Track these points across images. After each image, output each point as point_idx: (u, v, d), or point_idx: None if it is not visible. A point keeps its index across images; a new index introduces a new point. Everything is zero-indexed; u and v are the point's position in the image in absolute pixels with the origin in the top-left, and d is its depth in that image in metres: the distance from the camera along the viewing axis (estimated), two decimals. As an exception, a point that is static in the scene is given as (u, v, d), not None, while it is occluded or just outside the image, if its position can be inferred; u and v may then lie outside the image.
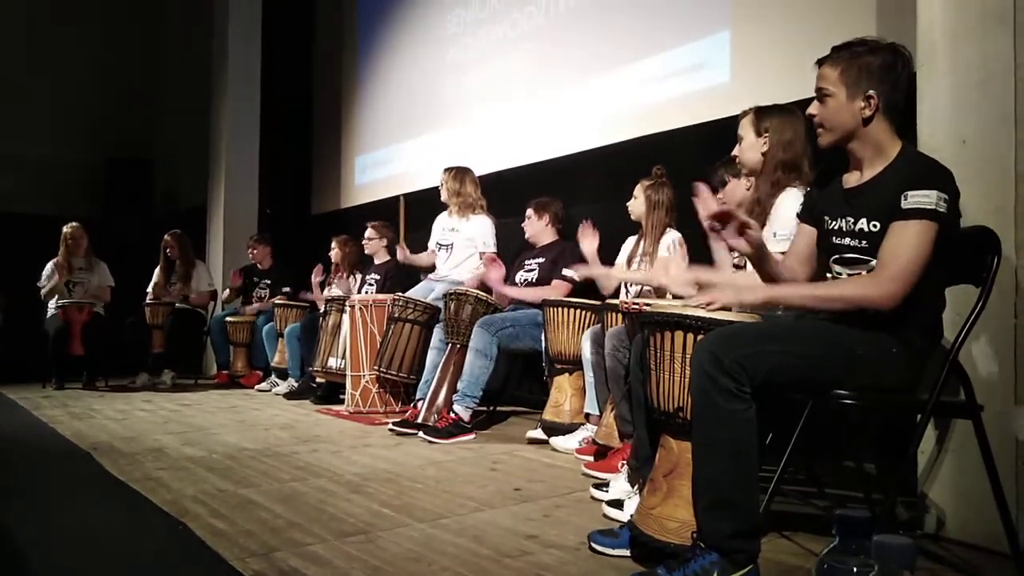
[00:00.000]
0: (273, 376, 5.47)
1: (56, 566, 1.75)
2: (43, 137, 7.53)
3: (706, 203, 1.71)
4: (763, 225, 2.15)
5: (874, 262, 1.68)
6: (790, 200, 2.12)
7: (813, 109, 1.79)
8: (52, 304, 5.54)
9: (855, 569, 0.81)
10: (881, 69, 1.69)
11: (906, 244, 1.60)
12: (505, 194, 4.43)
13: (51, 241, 5.66)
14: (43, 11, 7.63)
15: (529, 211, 3.93)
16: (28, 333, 5.66)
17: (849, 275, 1.74)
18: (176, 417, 4.11)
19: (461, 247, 4.23)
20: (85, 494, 2.48)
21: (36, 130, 7.51)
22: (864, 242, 1.71)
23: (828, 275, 1.80)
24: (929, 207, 1.59)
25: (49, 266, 5.61)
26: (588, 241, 3.46)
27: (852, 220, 1.73)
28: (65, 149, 7.64)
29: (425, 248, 4.55)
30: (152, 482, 2.50)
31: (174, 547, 1.88)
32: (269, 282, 5.92)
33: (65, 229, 5.63)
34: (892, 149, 1.72)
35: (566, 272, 3.61)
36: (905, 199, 1.60)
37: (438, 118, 5.46)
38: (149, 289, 5.96)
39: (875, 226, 1.68)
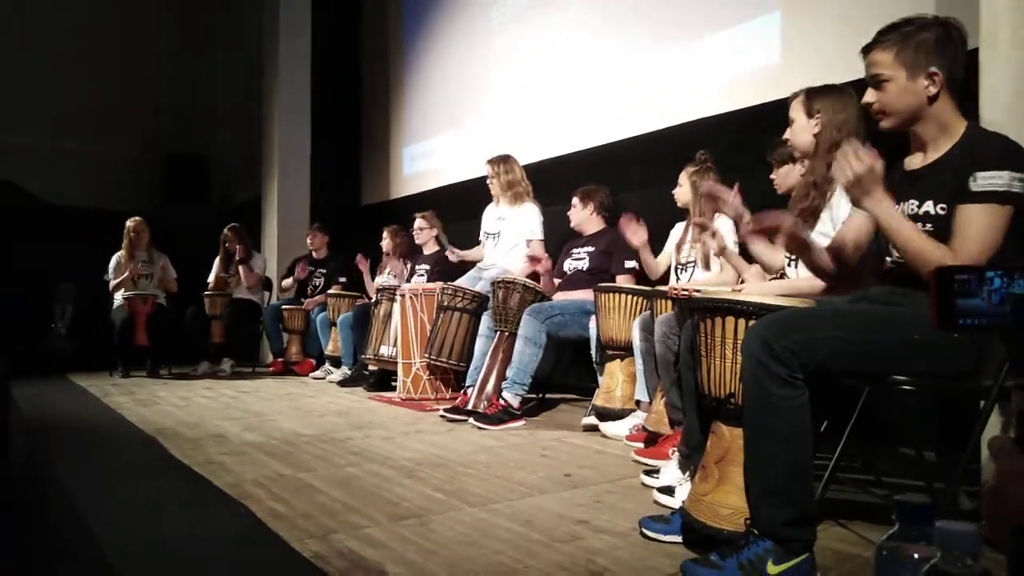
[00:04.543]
0: (327, 364, 5.60)
1: (126, 545, 1.82)
2: (107, 135, 7.82)
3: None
4: (821, 208, 2.10)
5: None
6: None
7: (869, 97, 1.72)
8: (118, 296, 5.76)
9: (916, 556, 0.79)
10: (938, 44, 1.62)
11: (974, 230, 1.54)
12: (551, 182, 4.43)
13: (115, 235, 5.87)
14: (108, 19, 7.92)
15: (575, 199, 3.91)
16: (95, 324, 5.92)
17: None
18: (236, 404, 4.24)
19: (509, 235, 4.25)
20: (152, 477, 2.58)
21: (100, 129, 7.79)
22: (930, 225, 1.65)
23: (888, 258, 1.75)
24: (1000, 188, 1.52)
25: (114, 259, 5.84)
26: (634, 234, 3.40)
27: (916, 203, 1.68)
28: (126, 147, 7.92)
29: (467, 239, 4.58)
30: (215, 466, 2.59)
31: (237, 528, 1.95)
32: (324, 271, 6.04)
33: (128, 223, 5.84)
34: (957, 127, 1.66)
35: (628, 264, 3.57)
36: (974, 180, 1.54)
37: (484, 107, 5.48)
38: (210, 279, 6.15)
39: (943, 209, 1.62)
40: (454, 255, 4.56)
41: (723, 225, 3.17)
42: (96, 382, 5.25)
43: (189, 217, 7.70)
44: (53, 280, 6.89)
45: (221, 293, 6.02)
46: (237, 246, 6.02)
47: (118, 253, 5.84)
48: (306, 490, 2.27)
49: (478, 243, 4.55)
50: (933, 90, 1.64)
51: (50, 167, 7.40)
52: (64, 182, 7.40)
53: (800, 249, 1.89)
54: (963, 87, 1.69)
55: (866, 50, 1.71)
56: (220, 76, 8.67)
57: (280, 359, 6.05)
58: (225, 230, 6.14)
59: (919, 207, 1.67)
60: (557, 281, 3.92)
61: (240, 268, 5.99)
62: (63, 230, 6.98)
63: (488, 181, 4.31)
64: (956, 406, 2.30)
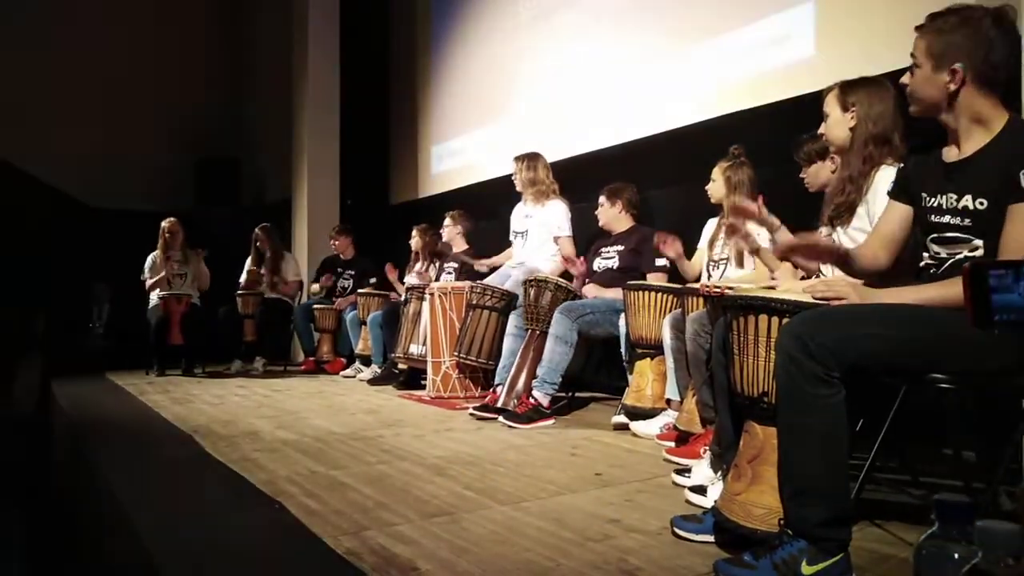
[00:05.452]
0: (357, 363, 5.65)
1: (166, 540, 1.86)
2: (141, 139, 7.98)
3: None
4: (857, 203, 2.07)
5: (978, 242, 1.60)
6: (889, 178, 2.03)
7: (905, 79, 1.73)
8: (153, 296, 5.87)
9: (956, 555, 0.78)
10: (970, 40, 1.59)
11: None
12: (579, 179, 4.41)
13: (149, 235, 5.99)
14: (142, 25, 8.08)
15: (602, 198, 3.89)
16: (132, 323, 6.04)
17: (948, 255, 1.66)
18: (268, 402, 4.30)
19: (536, 233, 4.25)
20: (189, 473, 2.63)
21: (134, 132, 7.96)
22: (968, 220, 1.62)
23: (925, 254, 1.72)
24: None
25: (150, 259, 5.96)
26: (670, 249, 3.35)
27: (955, 197, 1.64)
28: (160, 149, 8.07)
29: (495, 237, 4.60)
30: (249, 463, 2.63)
31: (272, 524, 1.98)
32: (353, 272, 6.10)
33: (163, 224, 5.96)
34: (996, 120, 1.62)
35: (659, 262, 3.55)
36: None
37: (511, 105, 5.48)
38: (242, 279, 6.24)
39: (982, 204, 1.59)
40: (482, 266, 4.57)
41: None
42: (133, 380, 5.36)
43: (221, 218, 7.83)
44: (90, 280, 7.06)
45: (253, 292, 6.12)
46: (268, 252, 6.12)
47: (153, 253, 5.97)
48: (338, 487, 2.29)
49: (508, 242, 4.56)
50: (953, 87, 1.62)
51: (86, 170, 7.56)
52: (100, 184, 7.56)
53: (841, 263, 1.85)
54: (1005, 81, 1.65)
55: (917, 30, 1.71)
56: (250, 79, 8.80)
57: (311, 358, 6.12)
58: (256, 230, 6.24)
59: (957, 201, 1.64)
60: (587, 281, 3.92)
61: (277, 283, 6.10)
62: (99, 231, 7.14)
63: (512, 178, 4.32)
64: (996, 404, 2.25)
